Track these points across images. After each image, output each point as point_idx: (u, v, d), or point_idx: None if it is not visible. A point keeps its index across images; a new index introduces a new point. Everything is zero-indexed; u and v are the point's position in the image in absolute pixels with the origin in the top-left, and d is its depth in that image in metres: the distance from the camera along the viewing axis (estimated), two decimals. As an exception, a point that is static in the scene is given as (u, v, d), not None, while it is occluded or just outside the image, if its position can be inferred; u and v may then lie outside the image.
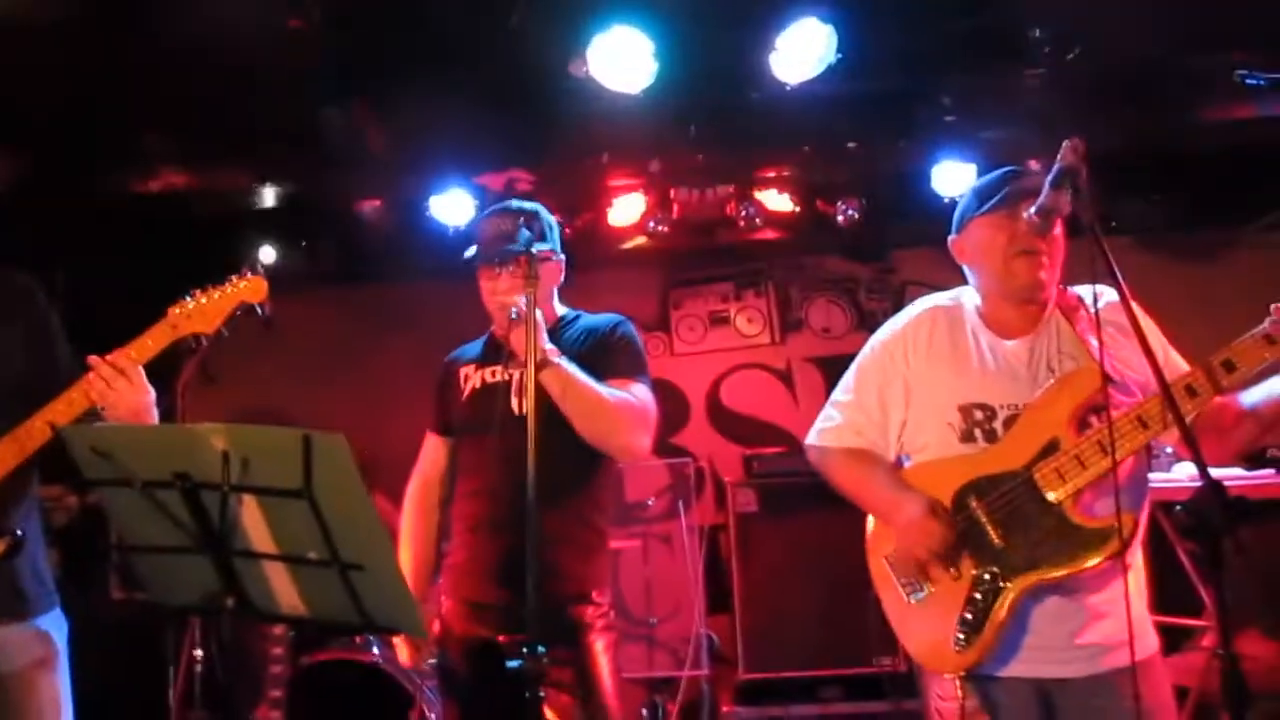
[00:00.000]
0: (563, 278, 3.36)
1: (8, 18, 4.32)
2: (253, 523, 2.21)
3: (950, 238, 2.98)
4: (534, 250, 2.83)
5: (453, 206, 6.04)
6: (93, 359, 2.76)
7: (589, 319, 3.32)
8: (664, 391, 6.48)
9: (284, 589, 2.29)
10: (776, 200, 6.17)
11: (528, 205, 3.29)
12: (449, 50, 4.78)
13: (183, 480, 2.17)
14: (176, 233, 5.85)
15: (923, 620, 2.82)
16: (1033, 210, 2.61)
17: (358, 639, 5.01)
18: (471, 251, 3.23)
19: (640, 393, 3.12)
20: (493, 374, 3.25)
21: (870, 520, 3.00)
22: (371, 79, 5.01)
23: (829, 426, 3.03)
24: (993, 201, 2.82)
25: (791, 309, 7.10)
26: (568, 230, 5.80)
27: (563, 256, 3.33)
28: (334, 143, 5.26)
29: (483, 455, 3.15)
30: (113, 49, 4.61)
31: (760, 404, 7.05)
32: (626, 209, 6.15)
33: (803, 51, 4.50)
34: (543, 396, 2.88)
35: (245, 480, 2.13)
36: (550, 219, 3.32)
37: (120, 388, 2.73)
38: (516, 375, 3.15)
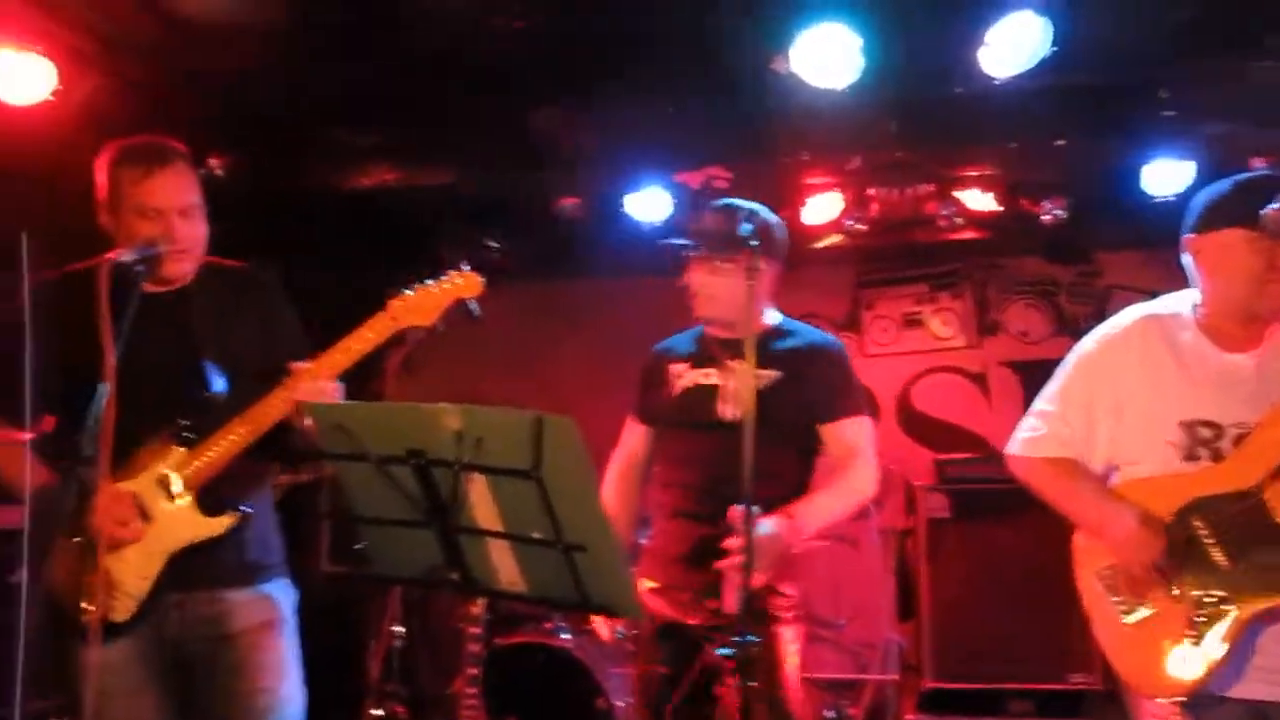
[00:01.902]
0: (769, 279, 3.37)
1: (228, 22, 4.60)
2: (480, 500, 2.29)
3: (1188, 234, 2.84)
4: (755, 244, 2.84)
5: (648, 204, 6.12)
6: (295, 367, 2.88)
7: (804, 333, 3.34)
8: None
9: (505, 566, 2.36)
10: (978, 199, 6.03)
11: (752, 205, 3.33)
12: (650, 48, 4.84)
13: (416, 457, 2.26)
14: (386, 227, 6.10)
15: (1138, 641, 2.73)
16: None
17: (548, 624, 5.14)
18: (684, 242, 3.30)
19: (862, 432, 3.18)
20: (704, 375, 3.31)
21: (1078, 534, 2.91)
22: (575, 77, 5.13)
23: (1032, 436, 2.95)
24: (1266, 224, 2.65)
25: (989, 311, 6.95)
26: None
27: (777, 264, 3.35)
28: (541, 141, 5.41)
29: (689, 451, 3.23)
30: (326, 49, 4.85)
31: (953, 408, 6.92)
32: (822, 207, 6.11)
33: (1014, 45, 4.38)
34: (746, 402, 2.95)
35: (476, 459, 2.21)
36: (773, 222, 3.32)
37: (318, 398, 2.85)
38: (728, 381, 3.22)
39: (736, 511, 2.78)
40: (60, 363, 2.83)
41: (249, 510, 2.94)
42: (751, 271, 3.04)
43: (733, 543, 2.81)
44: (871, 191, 6.08)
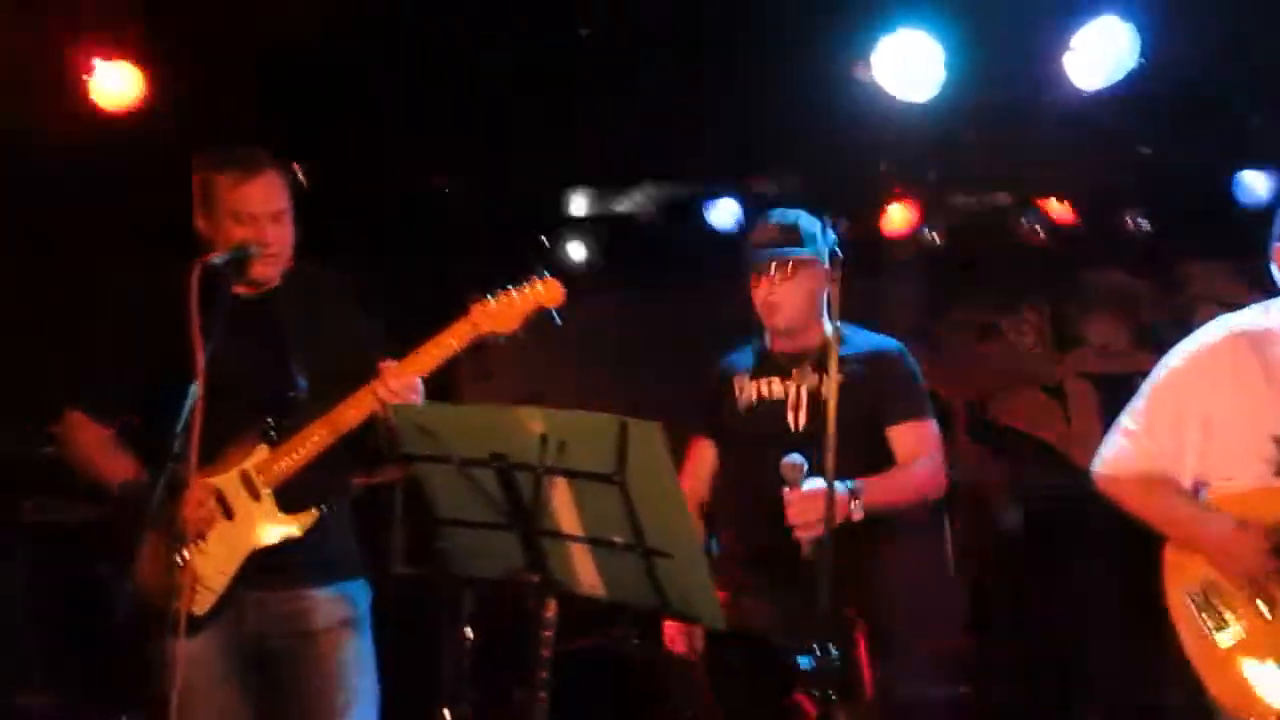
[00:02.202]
0: (835, 284, 3.34)
1: (313, 30, 4.68)
2: (562, 504, 2.30)
3: (1277, 243, 2.79)
4: (821, 250, 2.83)
5: (723, 212, 6.12)
6: (382, 366, 2.90)
7: (867, 337, 3.34)
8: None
9: (585, 569, 2.37)
10: (1058, 209, 5.96)
11: (805, 214, 3.35)
12: (726, 53, 4.84)
13: (499, 460, 2.28)
14: (464, 230, 6.16)
15: (1230, 662, 2.67)
16: None
17: (616, 630, 5.14)
18: (755, 250, 3.32)
19: (927, 434, 3.18)
20: (768, 386, 3.32)
21: (1168, 550, 2.86)
22: (649, 83, 5.14)
23: (1118, 454, 2.90)
24: None
25: (1067, 324, 6.83)
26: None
27: (838, 274, 3.33)
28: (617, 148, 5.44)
29: (761, 465, 3.20)
30: (404, 52, 4.92)
31: (1030, 421, 6.82)
32: (899, 217, 6.07)
33: (1101, 53, 4.32)
34: (813, 410, 3.07)
35: (560, 463, 2.22)
36: (829, 231, 3.32)
37: (402, 400, 2.87)
38: (792, 391, 3.23)
39: (787, 464, 2.87)
40: (151, 362, 2.91)
41: (328, 510, 2.97)
42: (819, 278, 3.04)
43: (789, 495, 2.89)
44: (949, 201, 6.02)
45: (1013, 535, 6.00)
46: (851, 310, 3.38)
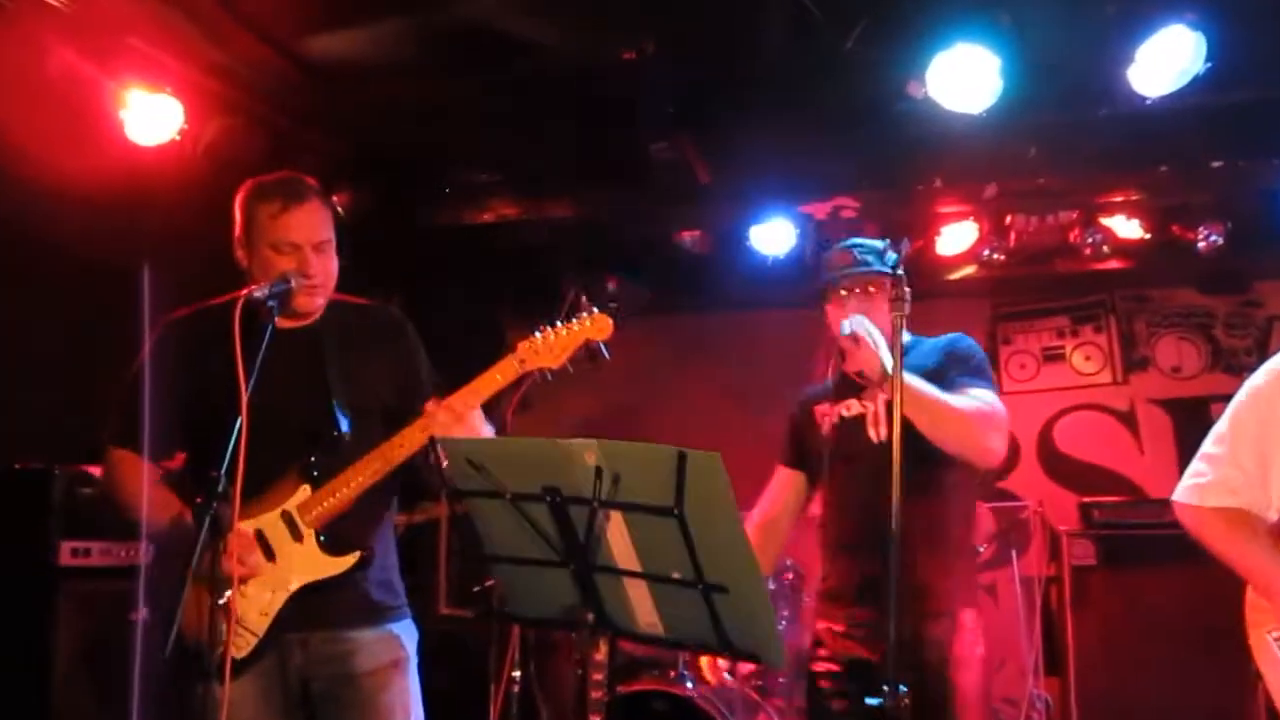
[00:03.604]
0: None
1: (354, 62, 4.74)
2: (617, 538, 2.29)
3: None
4: (897, 271, 2.83)
5: (773, 236, 6.11)
6: (429, 405, 2.94)
7: (930, 340, 3.42)
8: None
9: (643, 607, 2.35)
10: (1125, 226, 5.91)
11: (869, 241, 3.43)
12: (777, 76, 4.85)
13: (552, 494, 2.27)
14: (507, 263, 6.20)
15: None
16: None
17: (672, 672, 5.11)
18: (833, 274, 3.37)
19: (985, 395, 3.16)
20: (848, 408, 3.38)
21: (1248, 590, 2.80)
22: (699, 108, 5.16)
23: (1200, 483, 2.85)
24: None
25: (1136, 346, 6.77)
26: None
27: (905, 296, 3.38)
28: (661, 173, 5.45)
29: (845, 485, 3.29)
30: (449, 88, 4.97)
31: (1099, 448, 6.73)
32: (957, 237, 6.04)
33: (1166, 62, 4.28)
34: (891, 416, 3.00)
35: (615, 497, 2.21)
36: (889, 253, 3.37)
37: (456, 432, 2.89)
38: (871, 407, 3.29)
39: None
40: (194, 398, 2.94)
41: (370, 550, 2.98)
42: (898, 302, 3.07)
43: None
44: (1010, 219, 6.00)
45: (1082, 567, 5.90)
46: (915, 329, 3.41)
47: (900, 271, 2.87)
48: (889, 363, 3.06)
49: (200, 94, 4.80)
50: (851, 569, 3.26)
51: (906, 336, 3.37)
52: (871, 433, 3.29)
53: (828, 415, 3.42)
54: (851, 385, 3.35)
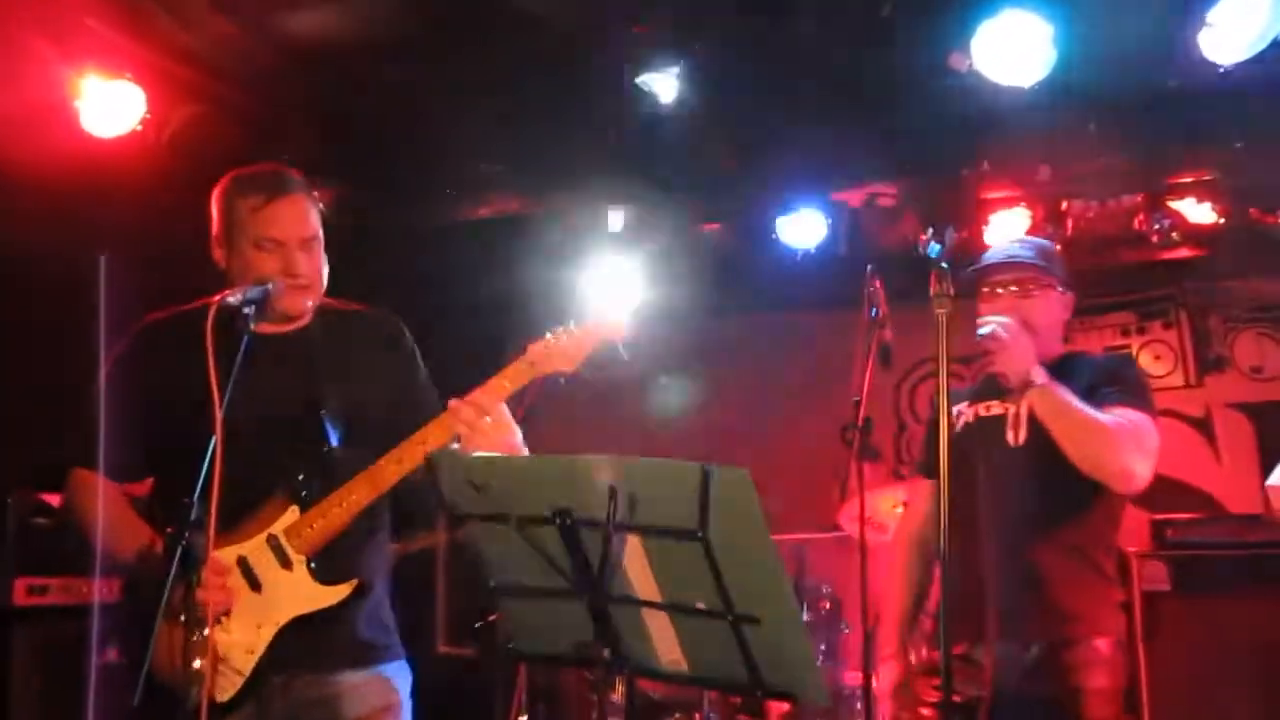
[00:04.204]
0: (1068, 314, 3.57)
1: (336, 43, 4.75)
2: (636, 565, 2.29)
3: None
4: (941, 264, 2.86)
5: (801, 227, 6.11)
6: (454, 401, 2.93)
7: (1089, 357, 3.58)
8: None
9: (665, 642, 2.35)
10: (1196, 210, 5.90)
11: (1037, 239, 3.70)
12: (805, 47, 4.86)
13: (562, 517, 2.27)
14: (510, 259, 6.21)
15: None
16: None
17: (697, 714, 5.11)
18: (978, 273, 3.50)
19: (1136, 417, 3.23)
20: (987, 408, 3.48)
21: None
22: (718, 87, 5.16)
23: None
24: None
25: (1211, 344, 6.78)
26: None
27: (1070, 293, 3.55)
28: (675, 159, 5.46)
29: (969, 492, 3.32)
30: (441, 68, 4.99)
31: (1171, 459, 6.67)
32: (1007, 225, 6.03)
33: (1241, 25, 4.28)
34: (1035, 426, 3.21)
35: (632, 519, 2.21)
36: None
37: (484, 428, 2.90)
38: (1013, 409, 3.37)
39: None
40: (165, 414, 2.94)
41: (364, 581, 2.98)
42: (1056, 301, 3.38)
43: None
44: (1066, 205, 6.00)
45: (1155, 593, 5.87)
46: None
47: (944, 264, 2.89)
48: (1036, 370, 3.19)
49: (164, 79, 4.83)
50: (975, 587, 3.28)
51: (1061, 349, 3.54)
52: (1010, 434, 3.37)
53: (964, 415, 3.53)
54: (996, 386, 3.43)
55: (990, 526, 3.28)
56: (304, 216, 3.02)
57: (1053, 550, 3.25)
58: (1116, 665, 3.25)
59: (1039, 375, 3.20)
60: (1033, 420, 3.30)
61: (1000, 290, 3.43)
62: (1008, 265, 3.46)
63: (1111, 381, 3.34)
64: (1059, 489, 3.21)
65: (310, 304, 3.07)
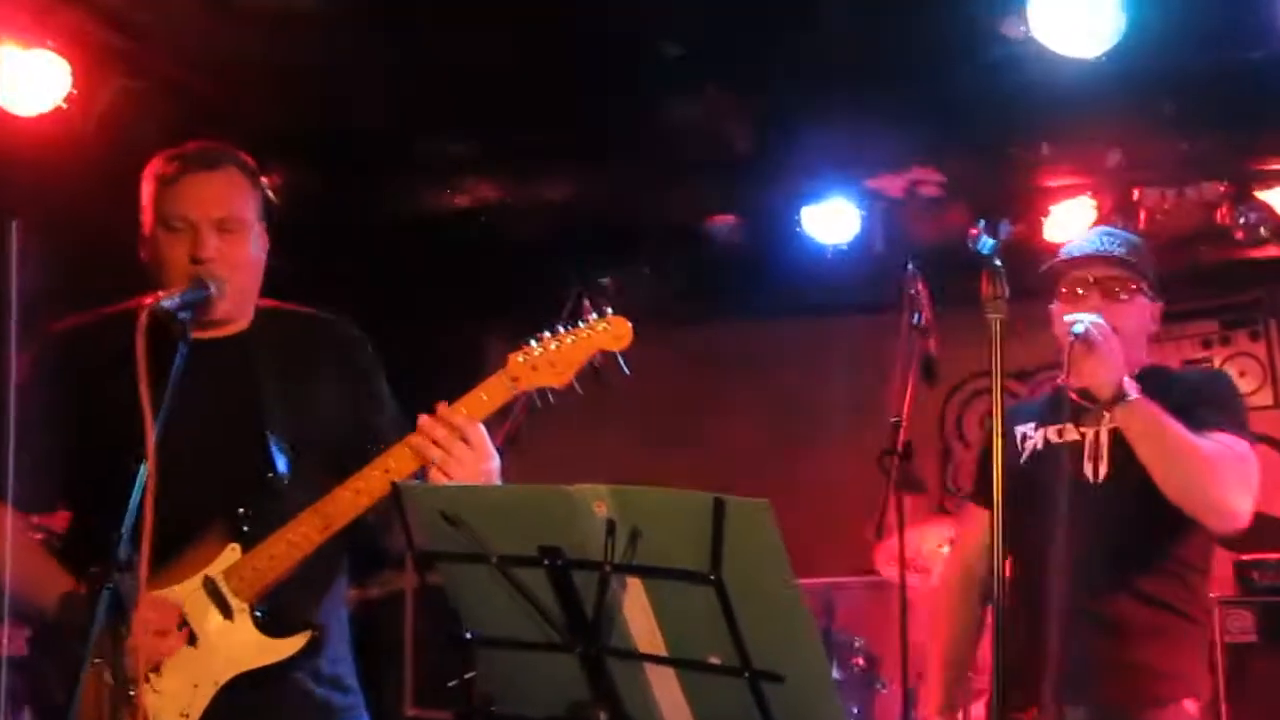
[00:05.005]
0: (1155, 326, 3.58)
1: (286, 7, 4.75)
2: (637, 613, 2.26)
3: None
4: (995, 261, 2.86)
5: (832, 220, 6.12)
6: (424, 419, 2.91)
7: (1186, 373, 3.70)
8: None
9: (672, 702, 2.32)
10: (1287, 202, 5.92)
11: (1128, 234, 3.67)
12: (836, 14, 4.86)
13: (551, 557, 2.25)
14: (487, 257, 6.22)
15: None
16: None
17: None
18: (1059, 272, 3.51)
19: (1238, 445, 3.25)
20: (1059, 433, 3.47)
21: None
22: (732, 60, 5.16)
23: None
24: None
25: (1305, 356, 6.79)
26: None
27: (1160, 301, 3.56)
28: (687, 141, 5.46)
29: (1037, 530, 3.30)
30: (413, 38, 4.98)
31: (1259, 491, 6.70)
32: (1071, 218, 6.07)
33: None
34: (1117, 457, 3.25)
35: (633, 559, 2.18)
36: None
37: (459, 453, 2.87)
38: (1090, 435, 3.38)
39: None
40: (85, 436, 2.93)
41: (319, 630, 2.97)
42: (1147, 308, 3.42)
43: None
44: (1138, 195, 6.01)
45: (1241, 645, 5.88)
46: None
47: (998, 263, 2.87)
48: (1128, 383, 3.19)
49: (92, 50, 4.82)
50: (1039, 646, 3.27)
51: (1145, 361, 3.53)
52: (1088, 468, 3.37)
53: (1030, 439, 3.51)
54: (1069, 405, 3.41)
55: (1059, 570, 3.26)
56: (225, 195, 2.97)
57: (1136, 599, 3.27)
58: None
59: (1132, 389, 3.19)
60: (1115, 449, 3.31)
61: (1082, 290, 3.42)
62: (1095, 260, 3.45)
63: (1207, 403, 3.35)
64: (1145, 528, 3.24)
65: (237, 301, 3.01)
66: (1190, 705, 3.27)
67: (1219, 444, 3.21)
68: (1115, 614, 3.00)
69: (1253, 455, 3.30)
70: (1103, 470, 3.33)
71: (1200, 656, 3.40)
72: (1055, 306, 3.46)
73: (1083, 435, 3.40)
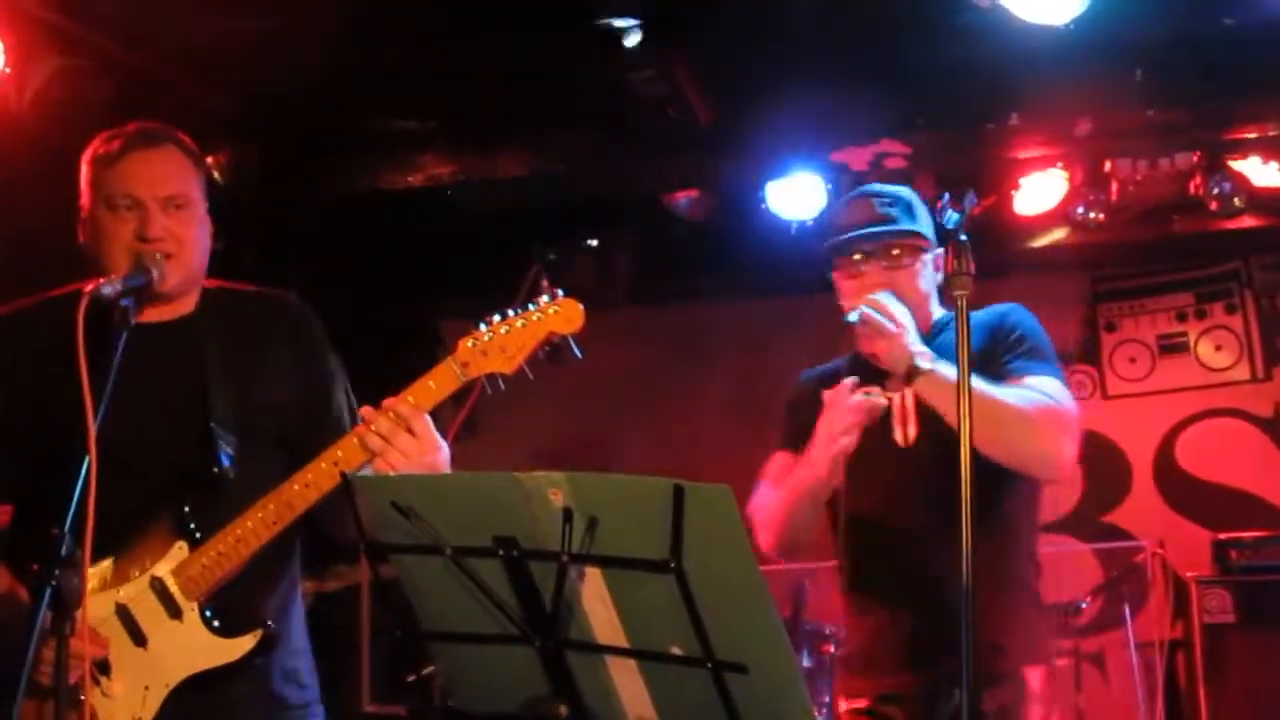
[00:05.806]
0: (940, 276, 3.48)
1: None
2: (596, 604, 2.27)
3: None
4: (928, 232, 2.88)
5: (796, 194, 6.12)
6: (367, 410, 2.92)
7: (978, 315, 3.40)
8: (1094, 448, 6.33)
9: (634, 695, 2.33)
10: (1261, 172, 5.95)
11: (894, 188, 3.52)
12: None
13: (507, 547, 2.25)
14: (440, 235, 6.20)
15: None
16: None
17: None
18: (835, 240, 3.43)
19: (1050, 387, 3.21)
20: (866, 394, 3.37)
21: None
22: (688, 27, 5.16)
23: None
24: None
25: (1280, 330, 6.82)
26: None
27: (939, 249, 3.46)
28: (639, 112, 5.46)
29: (863, 503, 3.32)
30: (352, 16, 4.96)
31: (1236, 467, 6.78)
32: (1041, 190, 6.10)
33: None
34: (928, 417, 3.15)
35: (591, 548, 2.19)
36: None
37: (403, 444, 2.87)
38: (897, 399, 3.31)
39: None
40: (22, 428, 2.92)
41: (272, 627, 2.96)
42: (929, 266, 3.33)
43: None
44: (1110, 166, 6.04)
45: (1218, 626, 5.94)
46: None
47: (964, 236, 2.87)
48: (920, 353, 3.15)
49: (27, 25, 4.79)
50: (880, 621, 3.30)
51: (939, 311, 3.49)
52: (898, 432, 3.33)
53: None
54: (874, 369, 3.35)
55: (890, 550, 3.27)
56: (169, 173, 2.97)
57: (965, 565, 3.13)
58: (1050, 701, 3.25)
59: (924, 360, 3.15)
60: (922, 410, 3.27)
61: (864, 267, 3.37)
62: (870, 239, 3.39)
63: (1010, 346, 3.30)
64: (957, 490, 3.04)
65: (182, 282, 3.00)
66: (1032, 674, 3.23)
67: (1030, 391, 3.18)
68: (945, 585, 2.80)
69: (1066, 392, 3.25)
70: (912, 433, 3.29)
71: (1035, 619, 3.36)
72: (836, 279, 3.43)
73: (889, 399, 3.31)
